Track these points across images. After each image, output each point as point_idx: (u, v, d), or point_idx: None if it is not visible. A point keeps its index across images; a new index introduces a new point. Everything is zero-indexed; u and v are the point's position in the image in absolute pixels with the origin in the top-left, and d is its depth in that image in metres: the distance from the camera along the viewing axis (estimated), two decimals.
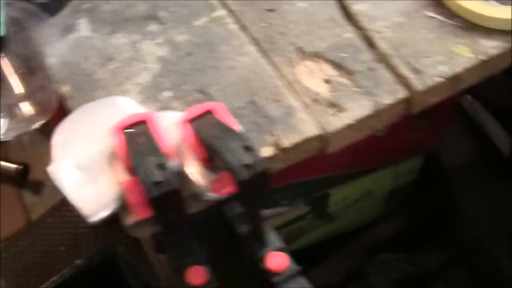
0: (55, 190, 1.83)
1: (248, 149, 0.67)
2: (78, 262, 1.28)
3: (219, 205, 0.81)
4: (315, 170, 1.24)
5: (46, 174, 1.89)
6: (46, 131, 1.46)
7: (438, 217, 1.54)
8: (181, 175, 0.74)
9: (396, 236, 1.54)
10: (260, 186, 0.68)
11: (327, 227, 1.48)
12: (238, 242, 0.81)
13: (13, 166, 1.91)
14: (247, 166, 0.66)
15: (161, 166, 0.67)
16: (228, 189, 0.68)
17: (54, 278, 1.27)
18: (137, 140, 0.73)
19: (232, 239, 0.83)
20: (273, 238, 0.78)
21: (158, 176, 0.66)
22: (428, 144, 1.40)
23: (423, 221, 1.56)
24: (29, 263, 1.80)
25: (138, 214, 0.70)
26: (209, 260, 0.79)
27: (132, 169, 0.73)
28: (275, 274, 0.76)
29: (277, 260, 0.76)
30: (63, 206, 1.90)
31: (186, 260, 0.78)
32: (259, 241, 0.77)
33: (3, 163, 1.92)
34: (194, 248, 0.79)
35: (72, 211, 1.88)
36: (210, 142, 0.71)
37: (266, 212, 0.88)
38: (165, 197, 0.67)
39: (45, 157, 1.85)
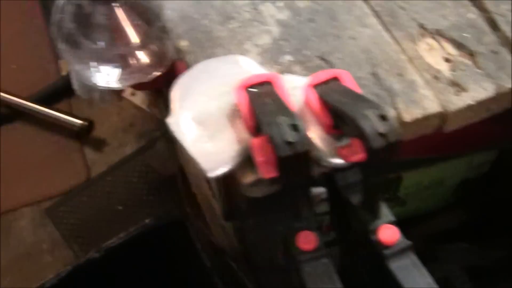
0: (117, 149, 1.85)
1: (384, 118, 0.66)
2: (146, 221, 1.28)
3: (333, 173, 0.81)
4: None
5: (109, 132, 1.90)
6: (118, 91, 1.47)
7: (505, 213, 1.52)
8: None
9: (461, 227, 1.53)
10: (387, 157, 0.68)
11: (396, 211, 1.47)
12: (347, 212, 0.81)
13: (78, 121, 1.92)
14: (381, 134, 0.65)
15: (294, 127, 0.67)
16: (358, 156, 0.68)
17: (121, 235, 1.27)
18: (264, 100, 0.73)
19: (340, 208, 0.83)
20: (385, 210, 0.78)
21: (291, 136, 0.66)
22: (506, 139, 1.39)
23: (489, 215, 1.55)
24: (85, 219, 1.82)
25: (264, 173, 0.70)
26: (319, 226, 0.79)
27: (258, 128, 0.73)
28: (386, 246, 0.75)
29: (389, 233, 0.76)
30: (123, 166, 1.91)
31: (297, 225, 0.78)
32: (372, 213, 0.77)
33: (69, 118, 1.93)
34: (306, 213, 0.79)
35: (132, 172, 1.89)
36: (340, 108, 0.70)
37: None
38: (295, 158, 0.67)
39: (110, 116, 1.87)
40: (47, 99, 2.02)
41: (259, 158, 0.70)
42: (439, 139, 1.12)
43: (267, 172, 0.70)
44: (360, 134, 0.67)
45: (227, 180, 0.95)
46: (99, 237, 1.75)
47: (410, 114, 0.79)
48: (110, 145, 1.97)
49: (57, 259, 1.77)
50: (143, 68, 0.89)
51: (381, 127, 0.66)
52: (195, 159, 0.75)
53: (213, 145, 0.76)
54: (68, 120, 1.95)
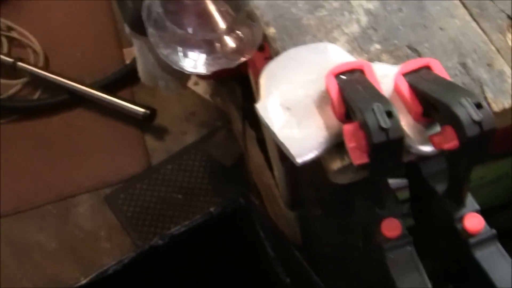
0: (177, 137, 1.87)
1: (479, 106, 0.67)
2: (211, 209, 1.29)
3: (418, 161, 0.81)
4: None
5: (170, 121, 1.92)
6: (183, 79, 1.48)
7: None
8: None
9: None
10: (481, 146, 0.68)
11: None
12: (431, 200, 0.81)
13: (141, 109, 1.95)
14: (476, 122, 0.66)
15: (389, 114, 0.67)
16: (451, 144, 0.68)
17: (186, 222, 1.28)
18: (355, 86, 0.74)
19: (423, 197, 0.83)
20: (470, 199, 0.78)
21: (386, 122, 0.66)
22: None
23: None
24: (145, 207, 1.84)
25: (355, 159, 0.71)
26: (404, 214, 0.79)
27: (348, 114, 0.74)
28: (471, 235, 0.76)
29: (474, 222, 0.76)
30: (184, 155, 1.93)
31: (381, 212, 0.79)
32: (457, 201, 0.77)
33: (132, 106, 1.96)
34: (390, 200, 0.80)
35: (192, 161, 1.91)
36: (432, 95, 0.71)
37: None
38: (388, 144, 0.67)
39: (172, 105, 1.89)
40: (110, 87, 2.05)
41: (351, 144, 0.71)
42: (504, 136, 1.12)
43: (358, 158, 0.71)
44: (454, 121, 0.67)
45: (295, 169, 0.96)
46: (158, 225, 1.78)
47: (498, 104, 0.79)
48: (171, 133, 1.99)
49: (115, 246, 1.79)
50: (228, 54, 0.90)
51: (476, 115, 0.66)
52: (284, 144, 0.76)
53: (301, 131, 0.77)
54: (131, 108, 1.97)
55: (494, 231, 0.76)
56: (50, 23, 2.21)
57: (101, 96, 2.00)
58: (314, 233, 1.35)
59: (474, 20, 0.87)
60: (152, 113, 1.97)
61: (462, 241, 0.76)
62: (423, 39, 0.85)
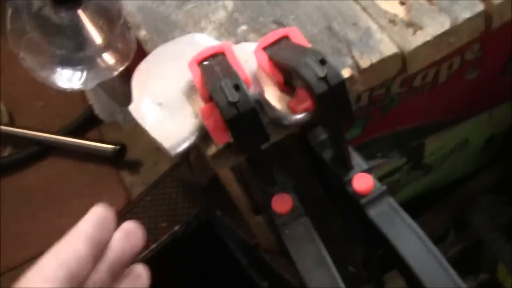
0: (152, 168, 1.86)
1: (322, 62, 0.66)
2: (176, 228, 1.29)
3: (303, 133, 0.80)
4: (409, 119, 1.22)
5: (142, 153, 1.91)
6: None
7: None
8: (262, 103, 0.74)
9: (496, 186, 1.50)
10: (339, 102, 0.67)
11: (424, 180, 1.45)
12: (324, 169, 0.80)
13: (110, 146, 1.93)
14: (322, 78, 0.65)
15: (236, 87, 0.67)
16: (305, 105, 0.67)
17: (153, 246, 1.28)
18: (215, 69, 0.73)
19: (318, 167, 0.82)
20: (358, 160, 0.77)
21: (233, 96, 0.66)
22: None
23: None
24: None
25: (217, 140, 0.70)
26: (295, 188, 0.78)
27: (210, 96, 0.73)
28: (362, 195, 0.74)
29: (362, 181, 0.75)
30: (160, 184, 1.92)
31: (271, 190, 0.78)
32: (344, 165, 0.76)
33: (100, 145, 1.95)
34: (279, 177, 0.79)
35: (170, 188, 1.90)
36: (286, 62, 0.70)
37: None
38: (243, 118, 0.66)
39: (141, 137, 1.88)
40: (77, 130, 2.04)
41: (210, 125, 0.70)
42: (451, 101, 1.11)
43: (219, 138, 0.70)
44: (304, 82, 0.66)
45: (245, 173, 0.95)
46: None
47: (366, 60, 0.78)
48: (145, 165, 1.97)
49: None
50: (109, 66, 0.90)
51: (321, 72, 0.65)
52: (156, 140, 0.76)
53: (173, 124, 0.77)
54: (100, 147, 1.96)
55: (384, 187, 0.75)
56: (9, 78, 2.22)
57: (70, 141, 1.98)
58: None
59: None
60: (122, 149, 1.95)
61: (355, 202, 0.75)
62: (288, 12, 0.85)
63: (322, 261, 0.72)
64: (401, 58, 0.79)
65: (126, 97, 0.92)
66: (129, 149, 1.95)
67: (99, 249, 0.67)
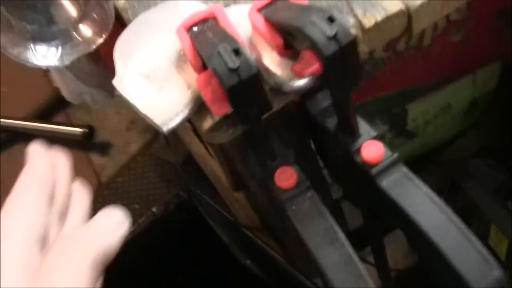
0: (122, 149, 1.80)
1: (331, 19, 0.59)
2: (153, 209, 1.23)
3: (303, 101, 0.74)
4: (390, 85, 1.18)
5: (112, 134, 1.85)
6: (109, 88, 1.42)
7: None
8: (260, 70, 0.68)
9: (482, 149, 1.47)
10: (349, 63, 0.61)
11: (408, 146, 1.42)
12: (327, 138, 0.74)
13: (78, 129, 1.87)
14: (332, 38, 0.59)
15: (236, 51, 0.60)
16: (313, 68, 0.61)
17: (131, 229, 1.22)
18: (207, 35, 0.67)
19: (317, 137, 0.77)
20: (364, 127, 0.71)
21: (234, 61, 0.59)
22: (509, 51, 1.32)
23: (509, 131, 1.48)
24: None
25: (216, 111, 0.64)
26: (298, 160, 0.72)
27: (204, 64, 0.67)
28: (373, 165, 0.69)
29: (372, 150, 0.69)
30: (132, 164, 1.86)
31: (273, 163, 0.72)
32: (350, 132, 0.70)
33: (68, 128, 1.88)
34: (279, 150, 0.73)
35: (142, 168, 1.85)
36: (286, 22, 0.64)
37: None
38: (244, 85, 0.60)
39: (110, 118, 1.82)
40: (44, 115, 1.98)
41: (207, 95, 0.64)
42: (434, 64, 1.06)
43: (219, 109, 0.64)
44: (310, 43, 0.60)
45: (226, 148, 0.89)
46: None
47: (370, 19, 0.72)
48: (115, 146, 1.92)
49: None
50: (86, 39, 0.83)
51: (330, 30, 0.59)
52: (147, 116, 0.69)
53: (162, 97, 0.70)
54: (69, 130, 1.90)
55: (396, 154, 0.69)
56: None
57: (37, 126, 1.92)
58: (259, 209, 1.30)
59: None
60: (91, 131, 1.89)
61: (365, 173, 0.69)
62: None
63: (335, 238, 0.66)
64: (407, 16, 0.73)
65: (93, 77, 0.86)
66: (98, 131, 1.89)
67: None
